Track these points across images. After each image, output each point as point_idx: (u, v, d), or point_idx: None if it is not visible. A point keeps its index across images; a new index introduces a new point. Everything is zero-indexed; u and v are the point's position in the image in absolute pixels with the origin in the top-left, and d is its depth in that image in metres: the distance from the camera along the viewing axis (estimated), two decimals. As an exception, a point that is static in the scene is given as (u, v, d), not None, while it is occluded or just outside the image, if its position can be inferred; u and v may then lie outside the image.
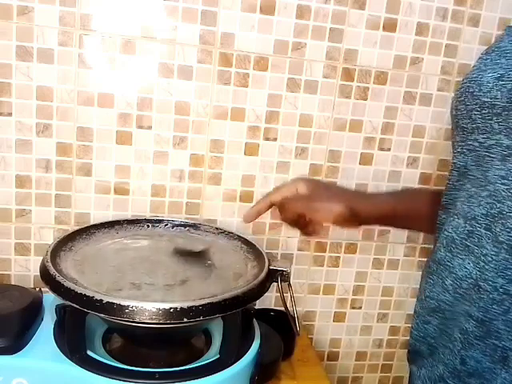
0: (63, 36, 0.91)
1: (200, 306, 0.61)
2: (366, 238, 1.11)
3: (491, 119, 0.45)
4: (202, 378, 0.65)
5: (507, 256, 0.42)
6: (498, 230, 0.43)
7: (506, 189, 0.43)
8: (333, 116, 1.02)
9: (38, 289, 0.79)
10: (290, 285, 0.73)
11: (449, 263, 0.48)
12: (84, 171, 0.98)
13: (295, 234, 1.08)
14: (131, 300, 0.60)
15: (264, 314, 0.85)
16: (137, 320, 0.59)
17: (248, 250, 0.80)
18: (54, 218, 0.99)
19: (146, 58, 0.94)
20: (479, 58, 0.51)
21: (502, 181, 0.43)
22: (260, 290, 0.67)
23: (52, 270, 0.65)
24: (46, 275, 0.66)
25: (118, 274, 0.71)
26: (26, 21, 0.89)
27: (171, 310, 0.60)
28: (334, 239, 1.10)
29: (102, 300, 0.60)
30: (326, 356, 1.14)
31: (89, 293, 0.61)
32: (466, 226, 0.46)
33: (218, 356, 0.70)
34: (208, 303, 0.61)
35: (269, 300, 1.06)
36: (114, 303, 0.60)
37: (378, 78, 1.02)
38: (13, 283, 0.99)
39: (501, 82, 0.44)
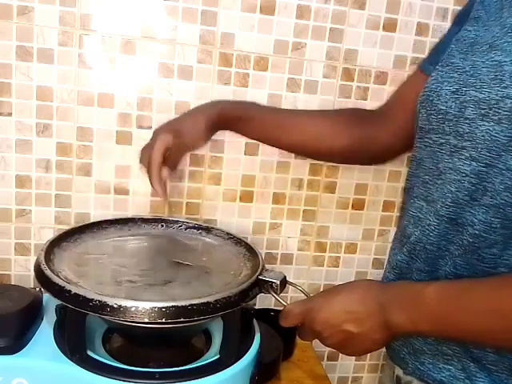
0: (63, 36, 0.91)
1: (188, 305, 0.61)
2: (366, 237, 1.11)
3: (444, 123, 0.57)
4: (202, 378, 0.65)
5: (447, 225, 0.56)
6: (438, 206, 0.57)
7: (449, 176, 0.56)
8: (333, 116, 1.02)
9: (38, 289, 0.79)
10: (290, 283, 0.73)
11: (401, 233, 0.62)
12: (84, 171, 0.98)
13: (295, 234, 1.08)
14: (127, 300, 0.60)
15: (264, 314, 0.85)
16: (130, 320, 0.59)
17: (249, 258, 0.79)
18: (54, 217, 0.99)
19: (145, 58, 0.94)
20: (436, 69, 0.62)
21: (450, 171, 0.56)
22: (238, 299, 0.65)
23: (44, 266, 0.66)
24: (40, 276, 0.66)
25: (113, 273, 0.71)
26: (26, 21, 0.89)
27: (155, 310, 0.60)
28: (334, 239, 1.10)
29: (93, 299, 0.60)
30: (325, 356, 1.14)
31: (82, 291, 0.61)
32: (428, 208, 0.59)
33: (218, 356, 0.70)
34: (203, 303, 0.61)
35: (269, 300, 1.06)
36: (107, 303, 0.60)
37: (377, 77, 1.02)
38: (13, 283, 0.99)
39: (455, 96, 0.56)
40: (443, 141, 0.58)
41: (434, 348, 0.59)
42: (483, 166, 0.52)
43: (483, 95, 0.53)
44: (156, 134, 0.75)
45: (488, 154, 0.52)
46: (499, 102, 0.51)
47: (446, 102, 0.57)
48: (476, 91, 0.54)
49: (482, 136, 0.52)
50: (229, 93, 0.98)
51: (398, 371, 0.66)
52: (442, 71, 0.60)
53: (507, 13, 0.55)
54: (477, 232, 0.53)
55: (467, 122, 0.54)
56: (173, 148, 0.73)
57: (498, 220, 0.52)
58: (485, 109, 0.52)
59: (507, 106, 0.50)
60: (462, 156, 0.55)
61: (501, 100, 0.51)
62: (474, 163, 0.53)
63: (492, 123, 0.51)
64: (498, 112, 0.51)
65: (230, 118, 0.77)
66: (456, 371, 0.57)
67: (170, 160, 0.74)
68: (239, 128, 0.79)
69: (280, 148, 0.85)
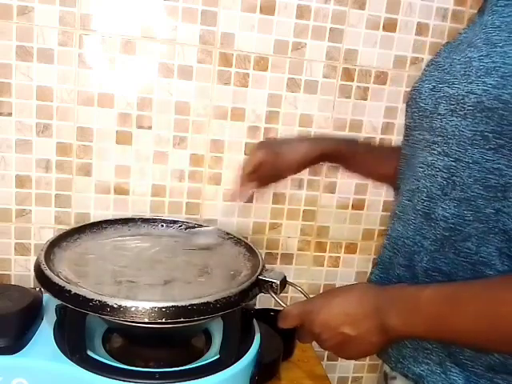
0: (63, 36, 0.91)
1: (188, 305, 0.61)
2: (365, 237, 1.11)
3: (423, 120, 0.59)
4: (202, 378, 0.65)
5: (422, 220, 0.57)
6: (415, 201, 0.58)
7: (422, 170, 0.58)
8: (333, 116, 1.02)
9: (38, 289, 0.79)
10: (290, 283, 0.73)
11: (389, 229, 0.64)
12: (84, 171, 0.98)
13: (295, 234, 1.08)
14: (127, 300, 0.60)
15: (264, 314, 0.85)
16: (130, 320, 0.59)
17: (249, 258, 0.79)
18: (54, 217, 0.99)
19: (145, 58, 0.94)
20: (424, 69, 0.63)
21: (420, 165, 0.58)
22: (238, 299, 0.65)
23: (44, 266, 0.66)
24: (40, 276, 0.66)
25: (113, 273, 0.71)
26: (26, 21, 0.89)
27: (157, 310, 0.60)
28: (334, 239, 1.10)
29: (93, 299, 0.60)
30: (325, 356, 1.14)
31: (82, 291, 0.61)
32: (396, 199, 0.63)
33: (218, 356, 0.70)
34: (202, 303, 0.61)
35: (269, 300, 1.05)
36: (107, 303, 0.60)
37: (377, 77, 1.02)
38: (13, 283, 0.99)
39: (432, 92, 0.57)
40: (421, 137, 0.59)
41: (416, 342, 0.59)
42: (453, 161, 0.54)
43: (453, 91, 0.54)
44: (255, 147, 0.79)
45: (457, 149, 0.53)
46: (464, 98, 0.52)
47: (425, 100, 0.59)
48: (449, 87, 0.55)
49: (452, 131, 0.54)
50: (229, 93, 0.98)
51: (386, 367, 0.67)
52: (427, 70, 0.61)
53: (487, 12, 0.56)
54: (451, 226, 0.54)
55: (439, 117, 0.56)
56: (267, 165, 0.75)
57: (470, 213, 0.53)
58: (454, 104, 0.54)
59: (471, 101, 0.51)
60: (434, 151, 0.56)
61: (466, 95, 0.52)
62: (446, 158, 0.55)
63: (460, 118, 0.53)
64: (463, 107, 0.52)
65: (333, 154, 0.79)
66: (434, 365, 0.58)
67: (262, 175, 0.76)
68: (341, 163, 0.82)
69: (374, 180, 0.89)
